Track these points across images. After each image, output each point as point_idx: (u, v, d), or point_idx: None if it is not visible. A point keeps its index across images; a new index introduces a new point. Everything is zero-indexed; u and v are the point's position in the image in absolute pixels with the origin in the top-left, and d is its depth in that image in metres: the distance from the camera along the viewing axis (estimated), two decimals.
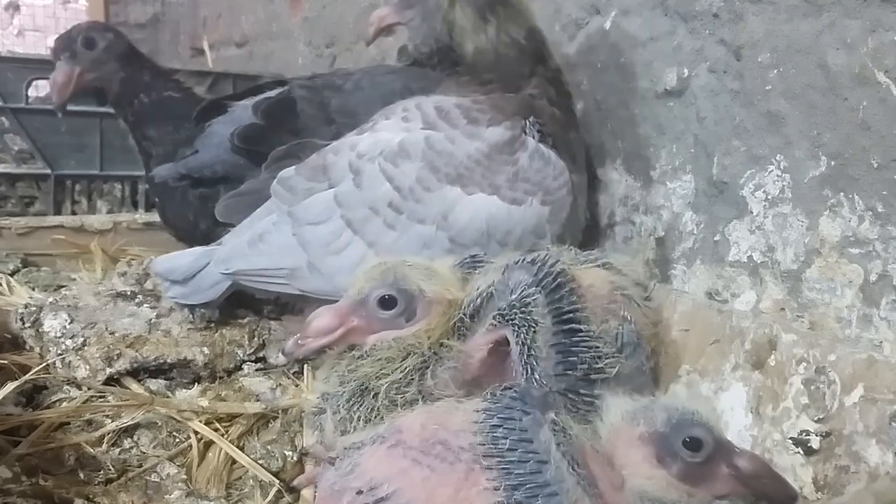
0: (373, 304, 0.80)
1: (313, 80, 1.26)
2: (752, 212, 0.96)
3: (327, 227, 1.00)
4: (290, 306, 1.14)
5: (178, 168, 1.20)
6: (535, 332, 0.78)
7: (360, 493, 0.64)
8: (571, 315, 0.80)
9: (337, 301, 0.83)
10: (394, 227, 0.99)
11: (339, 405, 0.77)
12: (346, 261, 0.98)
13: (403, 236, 0.99)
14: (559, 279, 0.81)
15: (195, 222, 1.37)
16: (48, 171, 1.95)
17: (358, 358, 0.80)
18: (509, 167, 1.01)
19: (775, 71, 0.92)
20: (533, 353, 0.78)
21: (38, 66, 1.99)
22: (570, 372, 0.78)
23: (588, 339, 0.79)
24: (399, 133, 1.03)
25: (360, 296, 0.81)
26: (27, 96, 1.93)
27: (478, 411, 0.68)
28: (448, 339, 0.81)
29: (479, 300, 0.82)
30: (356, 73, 1.29)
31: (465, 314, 0.82)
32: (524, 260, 0.85)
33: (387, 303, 0.80)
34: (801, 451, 0.76)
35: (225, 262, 1.04)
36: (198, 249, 1.11)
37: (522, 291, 0.80)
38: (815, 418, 0.76)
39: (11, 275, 1.32)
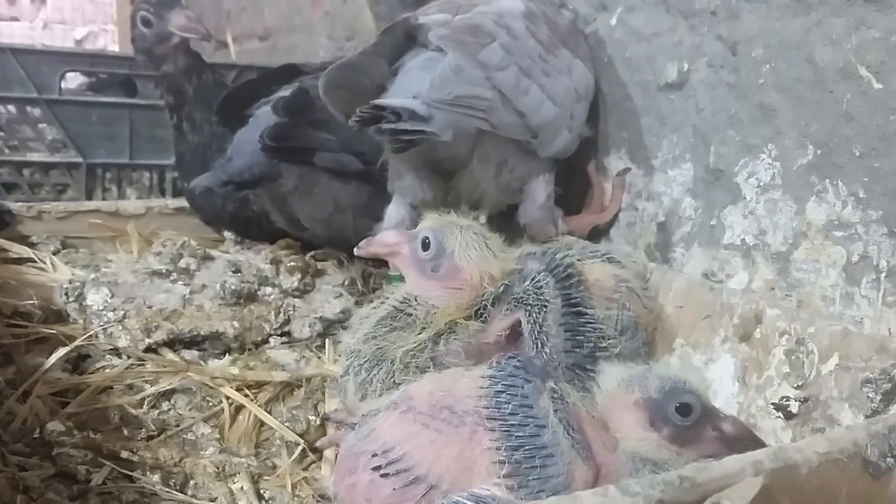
0: (418, 241, 0.90)
1: (317, 71, 1.32)
2: (745, 197, 1.01)
3: (511, 71, 1.03)
4: None
5: (218, 175, 1.24)
6: (546, 311, 0.86)
7: (374, 455, 0.71)
8: (579, 300, 0.88)
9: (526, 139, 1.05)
10: (548, 74, 1.07)
11: (361, 367, 0.85)
12: (533, 100, 1.04)
13: (556, 84, 1.08)
14: (569, 270, 0.90)
15: (222, 206, 1.44)
16: (80, 159, 2.00)
17: (385, 319, 0.89)
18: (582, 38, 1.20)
19: (768, 66, 0.97)
20: (544, 329, 0.86)
21: (70, 59, 2.06)
22: (577, 350, 0.86)
23: (593, 321, 0.87)
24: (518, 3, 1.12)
25: (417, 231, 0.92)
26: (60, 88, 1.97)
27: (483, 377, 0.74)
28: (468, 319, 0.88)
29: (500, 288, 0.89)
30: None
31: (486, 301, 0.89)
32: (537, 252, 0.95)
33: (425, 245, 0.90)
34: (782, 416, 0.82)
35: (444, 86, 0.96)
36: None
37: (535, 277, 0.89)
38: (795, 385, 0.81)
39: (54, 254, 1.40)
